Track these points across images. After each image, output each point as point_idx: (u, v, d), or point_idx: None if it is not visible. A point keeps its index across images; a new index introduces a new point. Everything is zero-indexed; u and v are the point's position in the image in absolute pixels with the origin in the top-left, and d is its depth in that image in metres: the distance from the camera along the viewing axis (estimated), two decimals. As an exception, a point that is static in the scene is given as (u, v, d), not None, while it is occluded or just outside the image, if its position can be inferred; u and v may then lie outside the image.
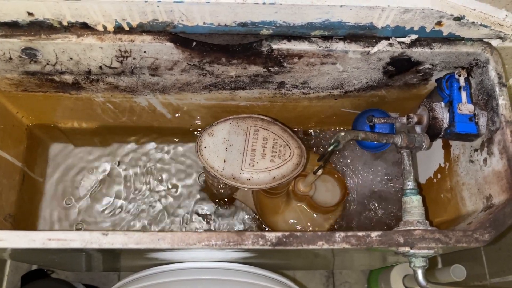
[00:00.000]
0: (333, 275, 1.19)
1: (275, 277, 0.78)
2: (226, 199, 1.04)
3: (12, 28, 0.66)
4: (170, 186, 1.12)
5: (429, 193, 0.89)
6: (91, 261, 0.87)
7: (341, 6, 0.63)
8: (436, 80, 0.78)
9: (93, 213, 1.08)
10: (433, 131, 0.73)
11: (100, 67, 0.74)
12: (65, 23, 0.66)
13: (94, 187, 1.10)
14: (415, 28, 0.68)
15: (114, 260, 0.86)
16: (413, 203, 0.68)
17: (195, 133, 1.06)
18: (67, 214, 1.08)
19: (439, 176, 0.87)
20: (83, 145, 1.10)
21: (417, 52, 0.72)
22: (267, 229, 0.98)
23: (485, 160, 0.71)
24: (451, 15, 0.65)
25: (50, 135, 1.07)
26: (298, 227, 0.91)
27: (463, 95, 0.71)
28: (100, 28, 0.67)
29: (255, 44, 0.70)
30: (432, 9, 0.64)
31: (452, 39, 0.71)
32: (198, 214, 1.11)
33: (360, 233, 0.60)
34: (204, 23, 0.66)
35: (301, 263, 0.99)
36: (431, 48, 0.71)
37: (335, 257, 0.88)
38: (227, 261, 0.76)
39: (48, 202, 1.07)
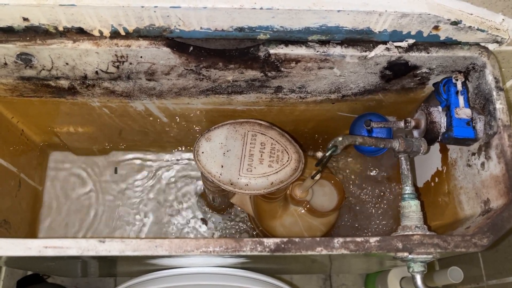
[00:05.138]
0: (330, 277, 1.19)
1: (272, 282, 0.78)
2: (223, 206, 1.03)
3: (7, 33, 0.66)
4: (168, 192, 1.12)
5: (426, 197, 0.89)
6: (87, 267, 0.86)
7: (338, 11, 0.62)
8: (434, 85, 0.78)
9: (93, 221, 1.08)
10: (430, 136, 0.73)
11: (96, 72, 0.74)
12: (60, 29, 0.65)
13: (94, 194, 1.10)
14: (412, 33, 0.68)
15: (111, 266, 0.85)
16: (411, 208, 0.68)
17: (192, 137, 1.05)
18: (67, 222, 1.07)
19: (436, 179, 0.87)
20: (82, 153, 1.10)
21: (414, 57, 0.72)
22: (255, 233, 0.98)
23: (482, 164, 0.71)
24: (448, 19, 0.65)
25: (48, 142, 1.06)
26: (296, 231, 0.91)
27: (461, 99, 0.71)
28: (96, 33, 0.67)
29: (252, 49, 0.70)
30: (429, 14, 0.63)
31: (449, 44, 0.71)
32: (196, 220, 1.11)
33: (358, 239, 0.60)
34: (201, 28, 0.66)
35: (298, 268, 0.99)
36: (428, 53, 0.71)
37: (332, 262, 0.88)
38: (225, 266, 0.75)
39: (48, 210, 1.07)
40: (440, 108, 0.73)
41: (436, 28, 0.67)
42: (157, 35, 0.68)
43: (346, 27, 0.66)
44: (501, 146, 0.67)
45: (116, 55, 0.69)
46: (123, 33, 0.67)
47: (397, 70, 0.75)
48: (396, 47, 0.70)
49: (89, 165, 1.10)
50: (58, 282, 1.10)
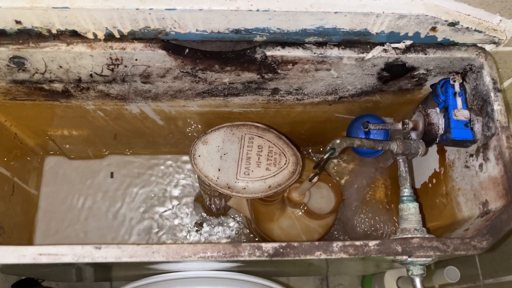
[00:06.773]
0: (327, 278, 1.19)
1: (269, 284, 0.77)
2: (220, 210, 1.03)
3: (-1, 36, 0.65)
4: (164, 196, 1.11)
5: (424, 198, 0.89)
6: (82, 273, 0.85)
7: (335, 12, 0.62)
8: (431, 86, 0.78)
9: (89, 227, 1.07)
10: (428, 137, 0.73)
11: (91, 75, 0.73)
12: (54, 31, 0.64)
13: (90, 199, 1.09)
14: (410, 34, 0.67)
15: (106, 272, 0.85)
16: (410, 210, 0.68)
17: (189, 140, 1.05)
18: (63, 227, 1.06)
19: (434, 181, 0.86)
20: (77, 157, 1.09)
21: (411, 58, 0.71)
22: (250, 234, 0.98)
23: (480, 165, 0.71)
24: (446, 20, 0.65)
25: (43, 146, 1.05)
26: (293, 234, 0.91)
27: (458, 101, 0.70)
28: (90, 36, 0.66)
29: (248, 51, 0.69)
30: (426, 15, 0.63)
31: (446, 45, 0.71)
32: (192, 224, 1.10)
33: (357, 243, 0.60)
34: (196, 30, 0.65)
35: (295, 271, 0.99)
36: (425, 54, 0.71)
37: (329, 265, 0.87)
38: (221, 269, 0.75)
39: (44, 215, 1.05)
40: (438, 109, 0.73)
41: (433, 29, 0.67)
42: (152, 37, 0.67)
43: (343, 28, 0.66)
44: (499, 147, 0.66)
45: (110, 58, 0.69)
46: (117, 35, 0.66)
47: (395, 72, 0.75)
48: (393, 48, 0.70)
49: (84, 169, 1.09)
50: (53, 286, 1.09)
